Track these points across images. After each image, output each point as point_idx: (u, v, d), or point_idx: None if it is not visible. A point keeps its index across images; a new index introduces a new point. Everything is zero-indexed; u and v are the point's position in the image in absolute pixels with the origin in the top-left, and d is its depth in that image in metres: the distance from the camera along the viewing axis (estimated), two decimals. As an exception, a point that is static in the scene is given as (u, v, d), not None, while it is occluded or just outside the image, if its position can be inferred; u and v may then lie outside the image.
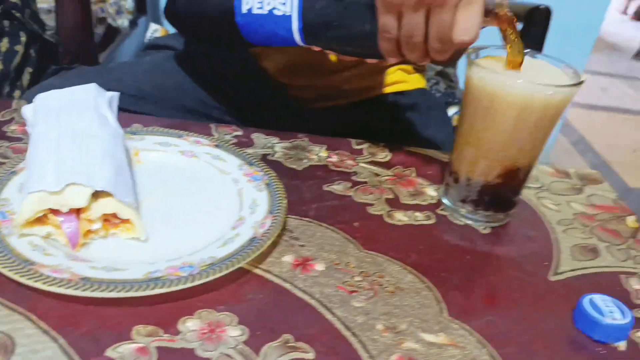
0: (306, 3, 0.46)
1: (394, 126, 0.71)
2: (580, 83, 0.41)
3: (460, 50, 0.46)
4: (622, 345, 0.36)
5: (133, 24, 1.32)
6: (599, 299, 0.38)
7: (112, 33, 1.27)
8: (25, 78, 0.86)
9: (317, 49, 0.49)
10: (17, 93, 0.85)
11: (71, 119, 0.41)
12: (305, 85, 0.69)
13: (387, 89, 0.72)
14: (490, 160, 0.44)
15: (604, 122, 2.27)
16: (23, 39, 0.84)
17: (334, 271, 0.39)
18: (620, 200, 0.54)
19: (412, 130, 0.71)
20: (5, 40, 0.82)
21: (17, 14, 0.83)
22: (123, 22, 1.30)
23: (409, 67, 0.74)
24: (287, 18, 0.47)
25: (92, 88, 0.46)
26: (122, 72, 0.65)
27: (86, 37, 0.73)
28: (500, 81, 0.40)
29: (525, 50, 0.42)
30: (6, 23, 0.82)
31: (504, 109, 0.41)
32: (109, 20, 1.27)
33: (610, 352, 0.36)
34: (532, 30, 0.68)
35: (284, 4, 0.46)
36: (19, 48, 0.83)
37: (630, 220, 0.50)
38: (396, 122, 0.71)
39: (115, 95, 0.47)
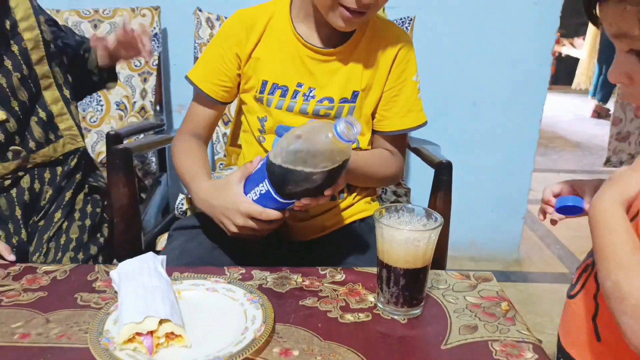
0: (272, 180, 0.77)
1: (360, 247, 0.99)
2: (440, 226, 0.69)
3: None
4: None
5: (157, 182, 1.65)
6: None
7: (140, 191, 1.60)
8: (105, 231, 1.15)
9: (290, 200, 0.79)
10: (85, 238, 1.11)
11: (142, 277, 0.69)
12: (300, 226, 0.98)
13: (354, 218, 1.02)
14: (396, 277, 0.71)
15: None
16: (88, 209, 1.15)
17: (304, 355, 0.64)
18: (502, 292, 0.80)
19: (372, 248, 0.98)
20: (77, 211, 1.13)
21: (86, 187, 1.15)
22: (149, 181, 1.64)
23: (368, 198, 1.04)
24: (267, 192, 0.78)
25: (150, 255, 0.74)
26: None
27: (134, 213, 1.04)
28: (391, 234, 0.68)
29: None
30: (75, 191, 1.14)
31: (395, 249, 0.69)
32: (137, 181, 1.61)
33: (470, 387, 0.60)
34: (440, 179, 0.98)
35: (261, 187, 0.78)
36: (99, 210, 1.14)
37: (504, 305, 0.76)
38: (361, 244, 0.99)
39: (163, 258, 0.75)
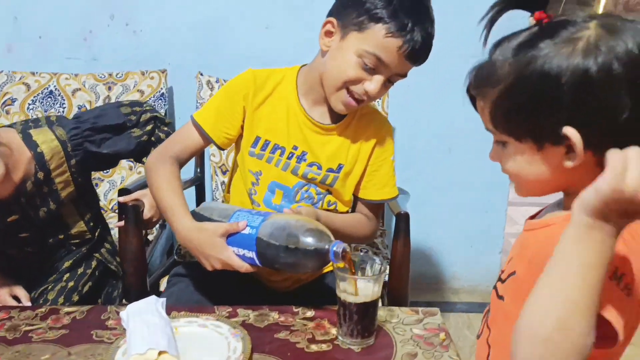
0: (260, 254, 0.93)
1: (332, 294, 1.15)
2: (382, 273, 0.86)
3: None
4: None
5: (162, 225, 1.83)
6: None
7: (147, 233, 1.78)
8: (85, 289, 1.30)
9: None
10: (75, 298, 1.27)
11: (146, 316, 0.86)
12: (280, 280, 1.15)
13: (326, 269, 1.18)
14: (350, 313, 0.87)
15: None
16: (93, 263, 1.33)
17: (274, 378, 0.81)
18: (443, 324, 0.96)
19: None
20: (83, 267, 1.31)
21: (97, 255, 1.34)
22: (156, 227, 1.82)
23: None
24: (252, 259, 0.95)
25: (153, 298, 0.92)
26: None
27: (142, 258, 1.21)
28: (344, 281, 0.86)
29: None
30: (85, 254, 1.32)
31: (348, 291, 0.86)
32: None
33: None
34: (399, 226, 1.16)
35: (248, 253, 0.95)
36: (89, 271, 1.32)
37: (441, 335, 0.92)
38: (333, 292, 1.15)
39: (164, 300, 0.93)
